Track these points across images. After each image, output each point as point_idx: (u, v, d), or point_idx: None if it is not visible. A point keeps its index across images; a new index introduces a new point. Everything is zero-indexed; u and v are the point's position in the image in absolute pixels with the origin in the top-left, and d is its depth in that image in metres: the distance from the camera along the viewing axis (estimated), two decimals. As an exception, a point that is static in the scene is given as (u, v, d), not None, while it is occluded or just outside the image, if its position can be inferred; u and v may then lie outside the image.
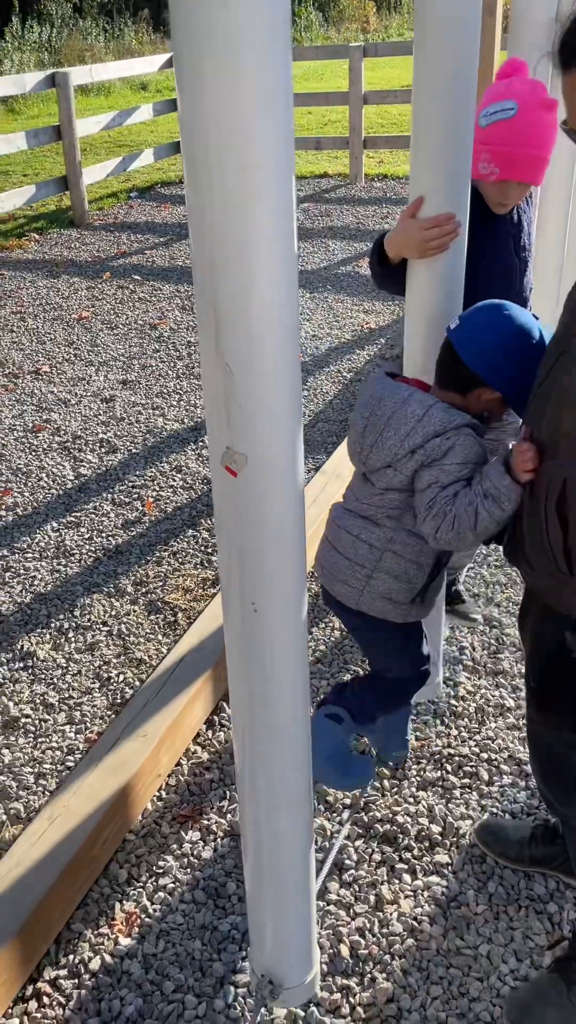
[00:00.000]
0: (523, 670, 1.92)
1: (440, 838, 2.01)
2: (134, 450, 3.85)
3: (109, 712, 2.41)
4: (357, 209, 7.56)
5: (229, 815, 2.09)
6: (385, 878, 1.93)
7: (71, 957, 1.79)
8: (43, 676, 2.56)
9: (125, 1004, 1.71)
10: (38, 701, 2.47)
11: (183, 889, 1.92)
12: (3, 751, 2.30)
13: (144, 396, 4.35)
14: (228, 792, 2.15)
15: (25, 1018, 1.69)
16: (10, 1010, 1.70)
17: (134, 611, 2.83)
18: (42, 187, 7.25)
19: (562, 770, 1.51)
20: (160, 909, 1.88)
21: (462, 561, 2.61)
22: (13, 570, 3.06)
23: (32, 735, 2.35)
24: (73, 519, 3.35)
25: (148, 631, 2.73)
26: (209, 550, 3.13)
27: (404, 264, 1.80)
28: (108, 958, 1.79)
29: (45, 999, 1.72)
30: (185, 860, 1.99)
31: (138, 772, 2.03)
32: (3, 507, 3.44)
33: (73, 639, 2.71)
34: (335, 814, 2.07)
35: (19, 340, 5.09)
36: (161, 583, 2.95)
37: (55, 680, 2.55)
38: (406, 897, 1.89)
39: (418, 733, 2.30)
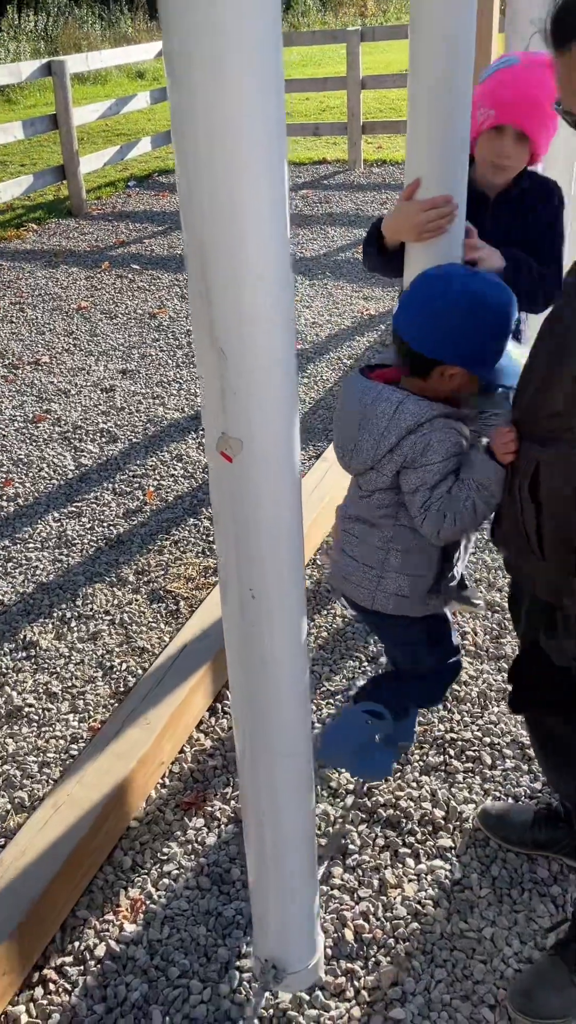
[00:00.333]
0: None
1: (443, 822, 2.01)
2: (135, 439, 3.84)
3: (112, 701, 2.42)
4: (356, 195, 7.52)
5: (233, 802, 2.09)
6: (389, 862, 1.93)
7: (76, 944, 1.80)
8: (46, 665, 2.57)
9: (131, 990, 1.72)
10: (41, 690, 2.47)
11: (187, 875, 1.93)
12: (7, 740, 2.31)
13: (144, 385, 4.34)
14: (231, 779, 2.15)
15: (31, 1005, 1.70)
16: (16, 997, 1.71)
17: (136, 600, 2.83)
18: (40, 177, 7.22)
19: (564, 754, 1.51)
20: (165, 895, 1.89)
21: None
22: (15, 560, 3.06)
23: (36, 724, 2.36)
24: (74, 509, 3.35)
25: (150, 620, 2.73)
26: (210, 539, 3.13)
27: (401, 250, 1.78)
28: (113, 944, 1.80)
29: (51, 986, 1.73)
30: (189, 847, 1.99)
31: (141, 760, 2.04)
32: (4, 498, 3.44)
33: (75, 628, 2.72)
34: (339, 799, 2.07)
35: (18, 331, 5.08)
36: (163, 572, 2.95)
37: (58, 669, 2.55)
38: (410, 881, 1.89)
39: (421, 718, 2.30)
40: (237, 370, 0.94)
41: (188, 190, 0.89)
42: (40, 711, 2.40)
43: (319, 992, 1.69)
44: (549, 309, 1.32)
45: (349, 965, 1.74)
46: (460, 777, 2.13)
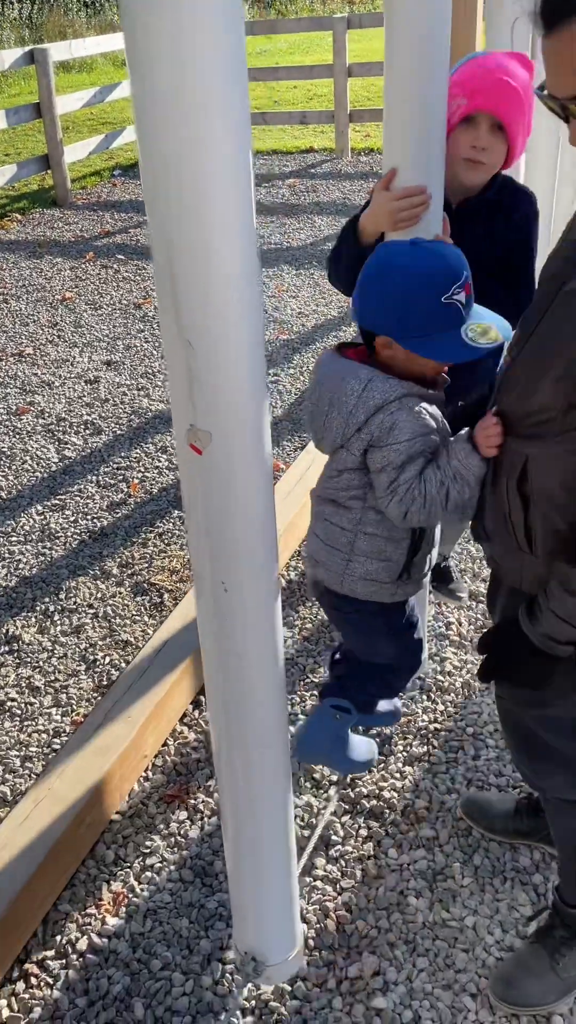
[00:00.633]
0: None
1: (426, 812, 2.02)
2: (119, 431, 3.82)
3: (95, 694, 2.41)
4: (343, 184, 7.48)
5: (216, 794, 2.09)
6: (372, 853, 1.94)
7: (58, 938, 1.80)
8: (29, 659, 2.56)
9: (113, 983, 1.72)
10: (24, 684, 2.46)
11: (170, 868, 1.93)
12: (-11, 735, 2.30)
13: (129, 377, 4.32)
14: (214, 772, 2.15)
15: (13, 999, 1.70)
16: (-2, 991, 1.71)
17: (120, 593, 2.82)
18: (23, 166, 7.15)
19: (533, 745, 1.51)
20: (147, 889, 1.89)
21: (452, 539, 2.59)
22: (-2, 554, 3.04)
23: (18, 718, 2.35)
24: (58, 502, 3.34)
25: (134, 613, 2.72)
26: (195, 530, 3.12)
27: (376, 244, 1.76)
28: (96, 938, 1.79)
29: (33, 980, 1.73)
30: (172, 840, 1.99)
31: (124, 753, 2.03)
32: (-13, 491, 3.42)
33: (59, 622, 2.70)
34: (322, 791, 2.07)
35: (1, 322, 5.04)
36: (147, 565, 2.94)
37: (41, 663, 2.54)
38: (392, 871, 1.90)
39: (405, 709, 2.30)
40: (205, 361, 0.93)
41: (154, 182, 0.87)
42: (23, 705, 2.39)
43: (301, 983, 1.69)
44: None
45: (331, 956, 1.74)
46: (443, 768, 2.13)
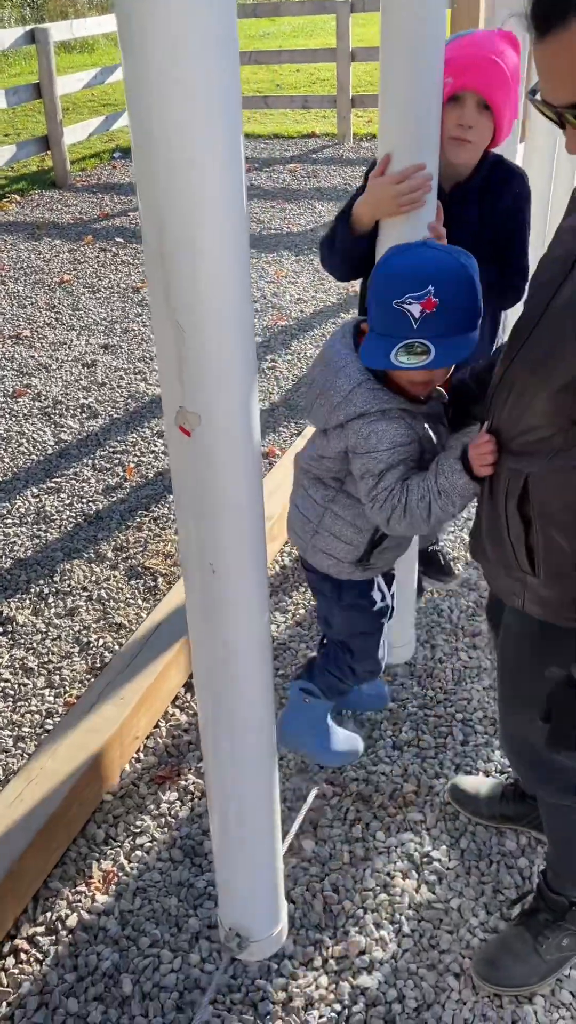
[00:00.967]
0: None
1: (414, 796, 2.04)
2: (116, 415, 3.82)
3: (88, 676, 2.43)
4: (345, 170, 7.45)
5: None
6: (359, 836, 1.96)
7: (48, 915, 1.82)
8: (22, 641, 2.57)
9: (102, 959, 1.74)
10: (17, 665, 2.48)
11: (160, 848, 1.95)
12: (-18, 715, 2.31)
13: (126, 360, 4.31)
14: (202, 749, 2.17)
15: (2, 974, 1.72)
16: (-12, 966, 1.73)
17: (114, 576, 2.83)
18: (23, 147, 7.11)
19: (538, 764, 1.51)
20: (137, 867, 1.91)
21: (442, 528, 2.61)
22: (-7, 536, 3.05)
23: (11, 699, 2.36)
24: (53, 485, 3.34)
25: (128, 596, 2.74)
26: (190, 515, 3.12)
27: (374, 233, 1.76)
28: (85, 915, 1.82)
29: (23, 955, 1.75)
30: (162, 820, 2.01)
31: (115, 734, 2.05)
32: (-17, 473, 3.43)
33: (53, 604, 2.72)
34: (310, 774, 2.09)
35: None
36: (141, 548, 2.95)
37: (34, 645, 2.55)
38: (379, 854, 1.92)
39: (394, 695, 2.32)
40: (193, 342, 0.94)
41: (144, 161, 0.88)
42: (16, 686, 2.41)
43: (287, 961, 1.72)
44: (519, 316, 1.23)
45: (317, 935, 1.76)
46: (432, 753, 2.15)
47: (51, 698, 2.36)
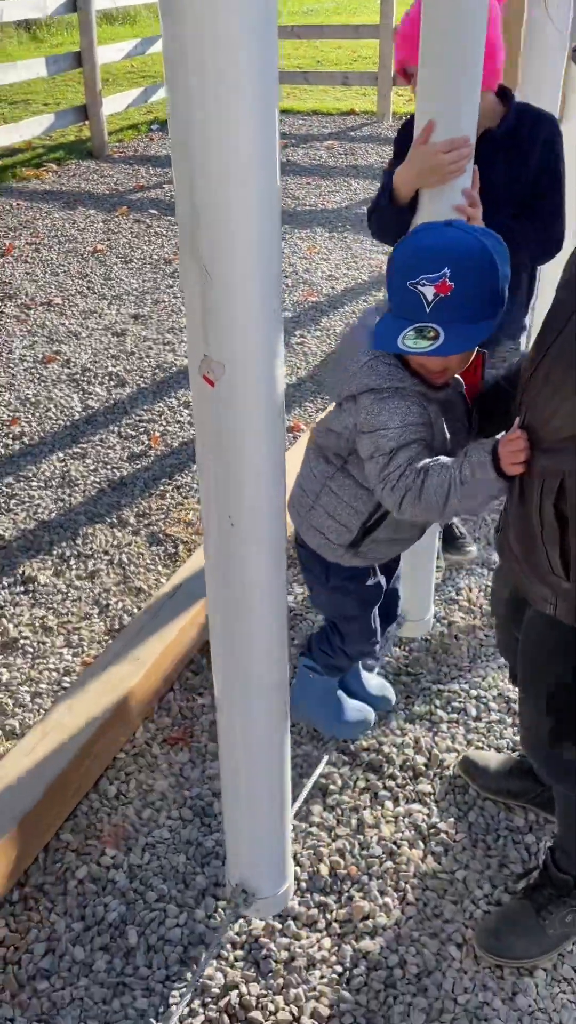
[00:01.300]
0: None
1: (425, 768, 2.04)
2: (143, 385, 3.84)
3: (106, 638, 2.45)
4: (383, 148, 7.37)
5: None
6: (368, 804, 1.97)
7: (58, 865, 1.85)
8: (43, 600, 2.60)
9: (109, 911, 1.77)
10: (37, 624, 2.51)
11: (170, 806, 1.97)
12: (1, 670, 2.35)
13: (155, 331, 4.32)
14: (215, 706, 2.18)
15: (11, 919, 1.75)
16: (-2, 911, 1.77)
17: (135, 542, 2.85)
18: (61, 116, 7.11)
19: (557, 759, 1.50)
20: (147, 824, 1.94)
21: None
22: (18, 498, 3.08)
23: (30, 656, 2.40)
24: (79, 450, 3.36)
25: (148, 562, 2.76)
26: (213, 485, 3.14)
27: (413, 203, 1.75)
28: (94, 867, 1.84)
29: (31, 903, 1.79)
30: (174, 779, 2.03)
31: (130, 693, 2.07)
32: (10, 436, 3.46)
33: (74, 566, 2.74)
34: (321, 742, 2.10)
35: (33, 271, 5.05)
36: (163, 516, 2.97)
37: (55, 605, 2.58)
38: (387, 823, 1.93)
39: (409, 668, 2.33)
40: (219, 290, 0.94)
41: (179, 112, 0.87)
42: (35, 644, 2.44)
43: (291, 921, 1.74)
44: (551, 306, 1.18)
45: (322, 898, 1.78)
46: (444, 727, 2.15)
47: (69, 656, 2.39)
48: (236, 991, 1.63)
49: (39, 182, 6.75)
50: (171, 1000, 1.62)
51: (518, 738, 2.09)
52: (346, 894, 1.79)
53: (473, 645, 2.40)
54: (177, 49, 0.85)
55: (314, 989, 1.64)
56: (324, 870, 1.83)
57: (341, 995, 1.63)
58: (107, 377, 3.90)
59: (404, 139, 1.98)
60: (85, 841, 1.90)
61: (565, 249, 1.92)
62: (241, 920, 1.72)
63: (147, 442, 3.41)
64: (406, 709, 2.20)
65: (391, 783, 2.01)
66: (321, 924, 1.74)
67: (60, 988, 1.64)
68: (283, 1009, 1.60)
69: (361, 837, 1.90)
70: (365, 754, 2.07)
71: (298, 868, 1.83)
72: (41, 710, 2.21)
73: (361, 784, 2.01)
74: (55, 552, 2.81)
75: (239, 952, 1.69)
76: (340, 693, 2.00)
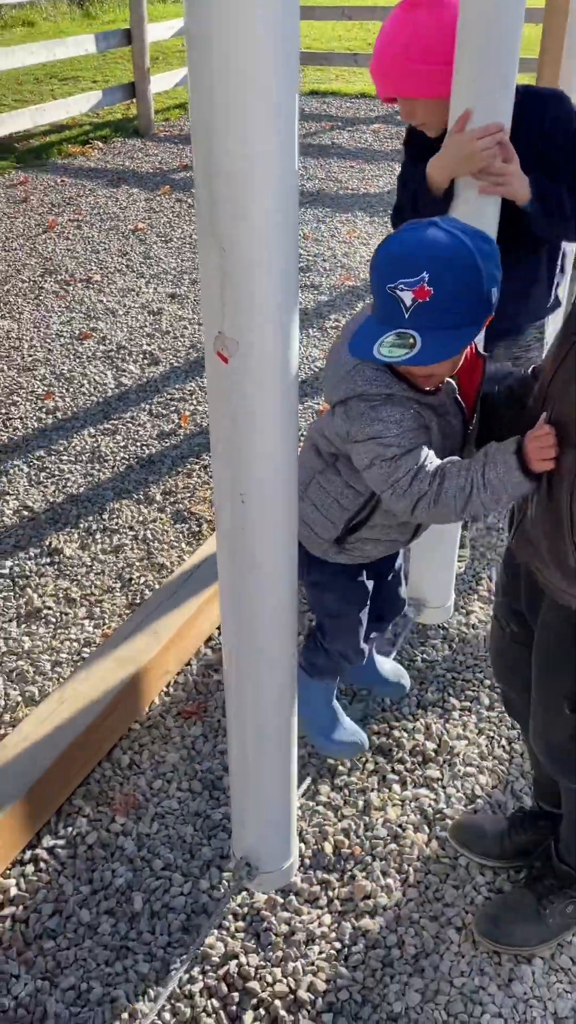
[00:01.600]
0: None
1: (434, 755, 2.05)
2: (176, 364, 3.86)
3: (127, 611, 2.49)
4: (429, 133, 7.28)
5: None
6: (375, 786, 1.98)
7: (69, 829, 1.90)
8: (68, 572, 2.65)
9: (116, 876, 1.81)
10: (61, 595, 2.56)
11: (181, 778, 2.01)
12: (24, 638, 2.40)
13: (191, 311, 4.34)
14: (223, 677, 2.21)
15: (22, 879, 1.80)
16: (8, 871, 1.81)
17: (160, 519, 2.88)
18: (109, 93, 7.13)
19: (564, 753, 1.49)
20: (157, 795, 1.97)
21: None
22: (48, 471, 3.13)
23: (52, 626, 2.44)
24: (110, 426, 3.40)
25: (172, 539, 2.79)
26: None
27: (447, 194, 1.74)
28: (104, 833, 1.89)
29: (42, 864, 1.83)
30: (186, 752, 2.07)
31: (147, 666, 2.11)
32: (44, 410, 3.51)
33: (100, 540, 2.78)
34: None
35: (73, 248, 5.09)
36: (189, 495, 3.00)
37: (79, 577, 2.63)
38: (394, 806, 1.94)
39: (424, 655, 2.33)
40: (235, 267, 0.95)
41: (198, 81, 0.88)
42: (58, 614, 2.49)
43: (293, 897, 1.76)
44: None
45: (325, 876, 1.80)
46: (456, 715, 2.16)
47: (90, 628, 2.43)
48: (236, 961, 1.66)
49: (84, 159, 6.79)
50: (172, 966, 1.65)
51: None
52: (349, 873, 1.81)
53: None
54: (198, 21, 0.85)
55: (312, 964, 1.66)
56: (328, 848, 1.85)
57: (339, 971, 1.65)
58: (141, 355, 3.93)
59: (415, 143, 1.99)
60: (97, 808, 1.94)
61: None
62: (244, 893, 1.75)
63: (177, 421, 3.44)
64: (419, 695, 2.21)
65: (400, 767, 2.02)
66: (323, 901, 1.77)
67: (65, 948, 1.69)
68: (280, 981, 1.63)
69: (367, 818, 1.91)
70: (375, 737, 2.09)
71: (302, 845, 1.85)
72: (60, 679, 2.26)
73: (370, 767, 2.03)
74: (82, 525, 2.85)
75: (240, 923, 1.72)
76: (336, 707, 1.94)
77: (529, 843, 1.78)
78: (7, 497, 2.98)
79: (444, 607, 2.36)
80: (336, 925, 1.72)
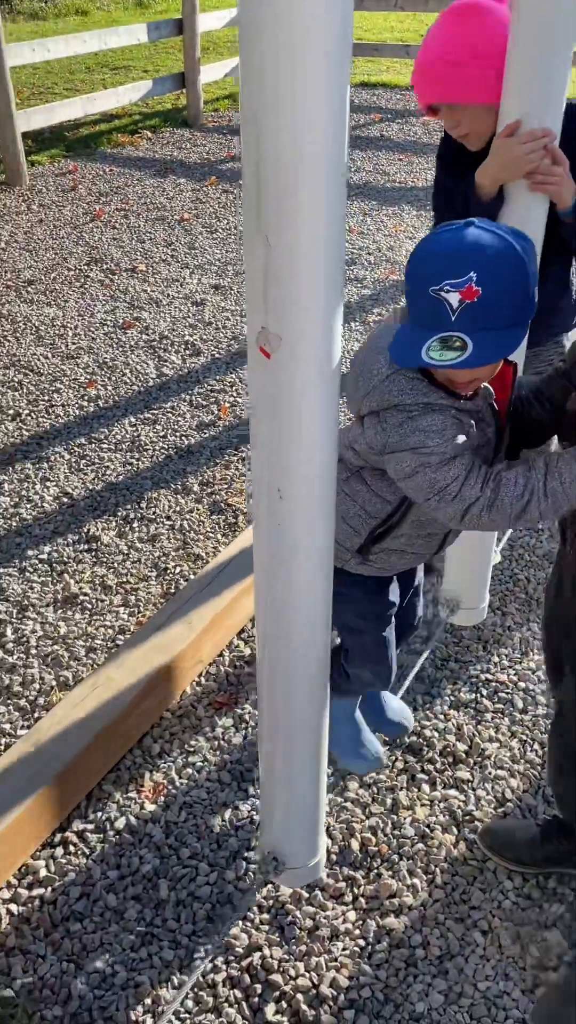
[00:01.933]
0: None
1: (465, 756, 2.04)
2: (217, 355, 3.87)
3: (162, 600, 2.51)
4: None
5: (262, 708, 2.16)
6: (404, 785, 1.98)
7: (99, 814, 1.92)
8: (105, 560, 2.67)
9: (143, 862, 1.83)
10: (97, 582, 2.58)
11: (210, 768, 2.02)
12: (60, 623, 2.43)
13: (234, 303, 4.34)
14: (256, 671, 2.21)
15: (51, 861, 1.83)
16: (38, 852, 1.84)
17: (197, 509, 2.89)
18: (159, 83, 7.16)
19: None
20: (186, 784, 1.98)
21: None
22: (88, 458, 3.16)
23: (88, 612, 2.47)
24: (150, 416, 3.42)
25: (208, 529, 2.80)
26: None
27: (496, 201, 1.73)
28: (133, 820, 1.90)
29: (71, 847, 1.86)
30: (216, 743, 2.08)
31: (180, 655, 2.12)
32: (86, 398, 3.54)
33: (137, 529, 2.80)
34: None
35: (120, 237, 5.12)
36: (227, 486, 3.01)
37: (115, 565, 2.65)
38: (422, 805, 1.93)
39: (458, 655, 2.31)
40: (280, 260, 0.94)
41: (250, 69, 0.88)
42: (94, 600, 2.51)
43: (319, 892, 1.76)
44: None
45: (351, 873, 1.80)
46: (489, 717, 2.14)
47: (125, 616, 2.45)
48: (259, 953, 1.67)
49: (133, 148, 6.82)
50: (196, 955, 1.67)
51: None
52: (375, 871, 1.81)
53: (526, 637, 2.37)
54: (250, 9, 0.85)
55: (335, 959, 1.66)
56: (355, 845, 1.85)
57: (362, 968, 1.65)
58: (183, 346, 3.94)
59: (451, 157, 1.97)
60: (126, 794, 1.96)
61: None
62: (269, 886, 1.76)
63: (216, 412, 3.45)
64: (452, 695, 2.19)
65: (430, 767, 2.01)
66: (348, 897, 1.76)
67: (91, 931, 1.71)
68: (303, 975, 1.64)
69: (395, 817, 1.91)
70: (406, 737, 2.08)
71: (329, 840, 1.85)
72: (94, 665, 2.28)
73: (399, 765, 2.02)
74: (119, 514, 2.88)
75: (265, 916, 1.73)
76: (359, 721, 1.89)
77: (560, 852, 1.75)
78: (47, 483, 3.02)
79: (478, 608, 2.34)
80: (361, 922, 1.72)
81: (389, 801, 1.94)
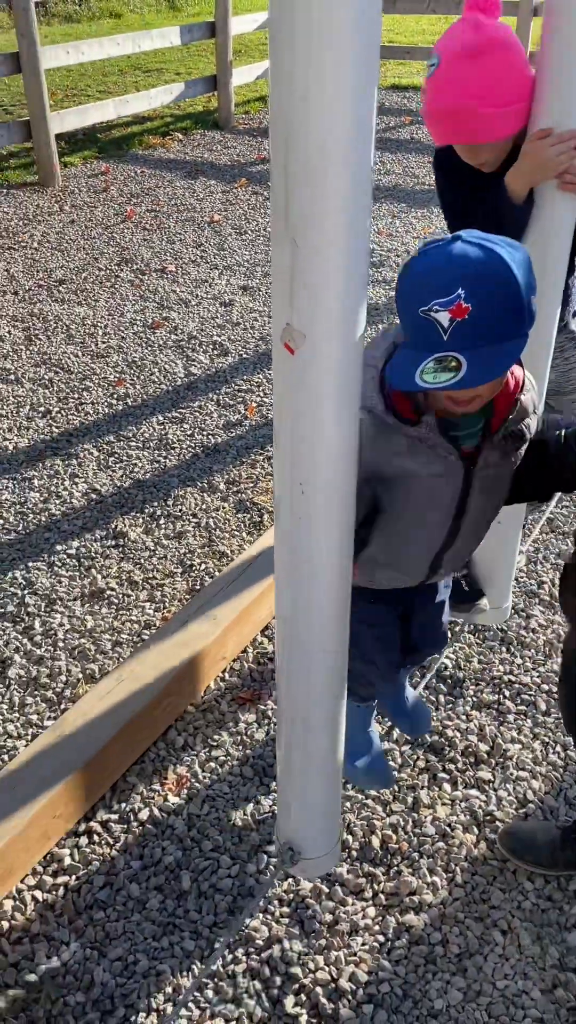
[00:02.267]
0: None
1: (486, 756, 2.04)
2: (245, 355, 3.89)
3: (187, 596, 2.53)
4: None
5: (285, 704, 2.18)
6: (426, 784, 1.98)
7: (123, 805, 1.95)
8: (131, 555, 2.70)
9: (166, 854, 1.85)
10: (124, 577, 2.61)
11: (233, 763, 2.04)
12: (87, 617, 2.46)
13: (263, 303, 4.37)
14: (275, 663, 2.23)
15: (76, 850, 1.86)
16: (63, 841, 1.87)
17: (223, 507, 2.92)
18: (191, 85, 7.21)
19: None
20: (209, 777, 2.01)
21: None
22: (117, 456, 3.20)
23: (115, 607, 2.50)
24: (178, 415, 3.46)
25: (234, 527, 2.82)
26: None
27: (527, 203, 1.74)
28: (156, 811, 1.93)
29: (96, 837, 1.88)
30: (239, 738, 2.10)
31: (204, 650, 2.14)
32: (115, 396, 3.58)
33: (163, 525, 2.84)
34: (385, 719, 2.12)
35: (150, 238, 5.17)
36: (252, 485, 3.03)
37: (142, 560, 2.68)
38: (443, 804, 1.94)
39: (481, 656, 2.31)
40: (307, 260, 0.96)
41: (278, 72, 0.89)
42: (120, 596, 2.54)
43: (339, 887, 1.78)
44: None
45: (371, 869, 1.81)
46: (511, 718, 2.14)
47: (151, 611, 2.48)
48: (279, 945, 1.68)
49: (164, 150, 6.88)
50: (216, 945, 1.69)
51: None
52: (395, 868, 1.82)
53: (550, 639, 2.36)
54: (280, 12, 0.86)
55: (355, 954, 1.67)
56: (376, 842, 1.86)
57: (381, 963, 1.66)
58: (211, 346, 3.97)
59: (450, 167, 1.96)
60: (150, 786, 1.99)
61: None
62: (290, 880, 1.77)
63: (243, 411, 3.47)
64: (475, 696, 2.19)
65: (451, 766, 2.02)
66: (368, 893, 1.77)
67: (114, 920, 1.74)
68: (323, 969, 1.65)
69: (415, 815, 1.91)
70: (428, 736, 2.08)
71: (350, 837, 1.86)
72: (120, 659, 2.31)
73: (421, 764, 2.03)
74: (147, 511, 2.91)
75: (285, 909, 1.74)
76: (372, 736, 1.87)
77: None
78: (77, 480, 3.06)
79: (502, 608, 2.34)
80: (380, 918, 1.73)
81: (410, 799, 1.95)
